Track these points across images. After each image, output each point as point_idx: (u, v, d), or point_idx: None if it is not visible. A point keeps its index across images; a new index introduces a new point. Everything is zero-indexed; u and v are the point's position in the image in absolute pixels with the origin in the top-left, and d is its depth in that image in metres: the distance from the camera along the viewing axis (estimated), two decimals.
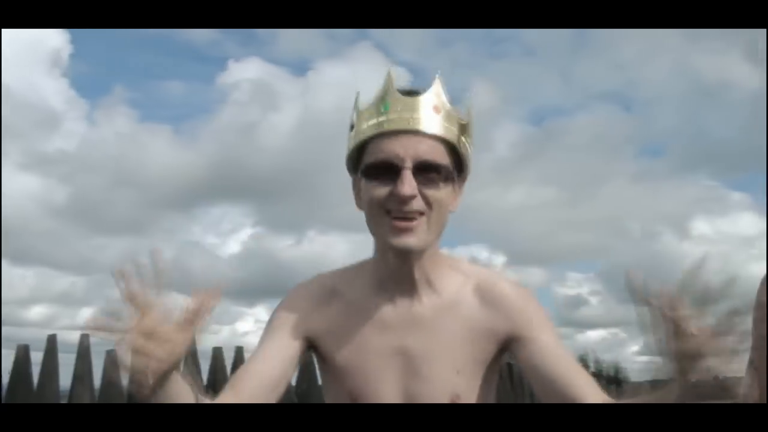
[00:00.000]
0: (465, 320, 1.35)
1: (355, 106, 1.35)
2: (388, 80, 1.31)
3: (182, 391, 1.11)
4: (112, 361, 3.14)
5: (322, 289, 1.40)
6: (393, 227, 1.27)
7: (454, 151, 1.31)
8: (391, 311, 1.35)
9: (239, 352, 6.99)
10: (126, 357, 0.99)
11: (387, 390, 1.32)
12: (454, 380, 1.32)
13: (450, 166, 1.30)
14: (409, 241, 1.27)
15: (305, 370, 4.10)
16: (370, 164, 1.29)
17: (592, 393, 1.23)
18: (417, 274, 1.33)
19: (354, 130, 1.34)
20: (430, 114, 1.29)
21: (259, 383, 1.28)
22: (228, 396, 1.24)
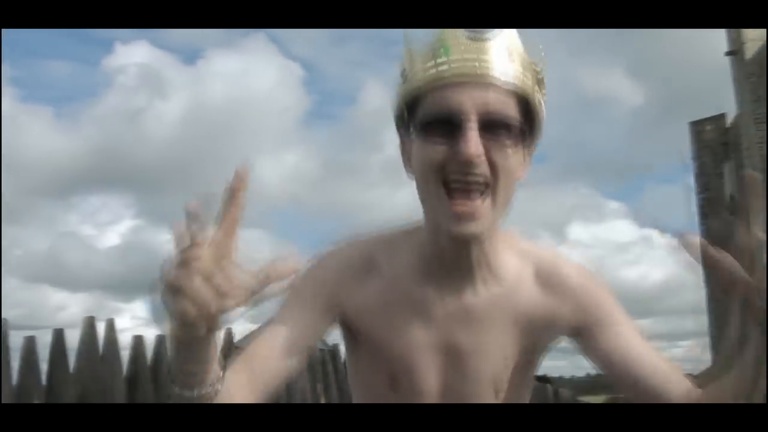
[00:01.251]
0: (523, 310, 1.19)
1: (407, 52, 1.12)
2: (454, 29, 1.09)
3: (216, 368, 0.96)
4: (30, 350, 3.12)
5: (359, 260, 1.22)
6: (452, 211, 1.07)
7: (527, 107, 1.10)
8: (438, 301, 1.18)
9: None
10: (184, 282, 0.81)
11: (429, 383, 1.20)
12: (502, 373, 1.20)
13: (522, 125, 1.09)
14: (471, 227, 1.08)
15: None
16: (426, 119, 1.08)
17: (680, 381, 1.15)
18: (474, 262, 1.15)
19: (405, 78, 1.12)
20: (503, 59, 1.07)
21: (277, 361, 1.14)
22: (239, 371, 1.07)
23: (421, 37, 1.11)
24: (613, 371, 1.18)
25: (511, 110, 1.07)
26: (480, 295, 1.18)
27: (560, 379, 30.33)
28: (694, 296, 37.60)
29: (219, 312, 0.82)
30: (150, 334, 3.87)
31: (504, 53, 1.07)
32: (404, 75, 1.12)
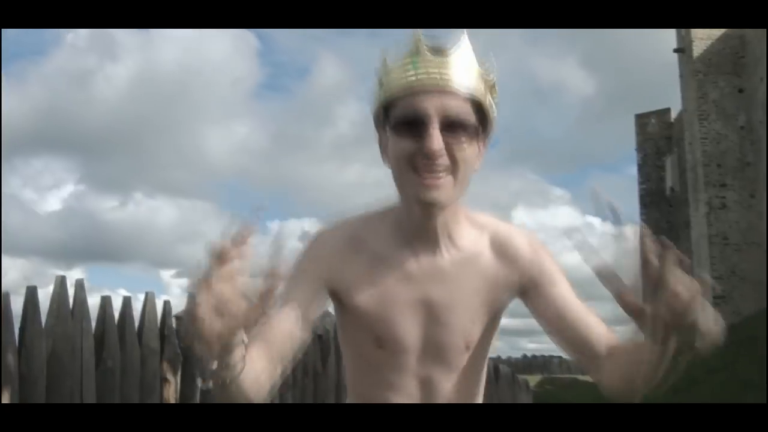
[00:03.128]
0: (483, 272, 1.42)
1: (383, 63, 1.36)
2: (417, 40, 1.33)
3: (239, 357, 1.13)
4: None
5: (347, 239, 1.44)
6: (421, 183, 1.30)
7: (480, 110, 1.34)
8: (414, 264, 1.41)
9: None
10: (204, 310, 1.01)
11: (410, 336, 1.41)
12: (470, 328, 1.42)
13: (476, 124, 1.33)
14: (436, 195, 1.30)
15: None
16: (399, 121, 1.31)
17: (603, 333, 1.37)
18: (439, 229, 1.38)
19: (382, 85, 1.36)
20: (459, 72, 1.31)
21: (287, 338, 1.33)
22: (258, 346, 1.24)
23: (396, 56, 1.35)
24: (550, 322, 1.42)
25: (466, 113, 1.31)
26: (446, 259, 1.41)
27: (499, 359, 31.02)
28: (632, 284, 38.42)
29: (228, 338, 1.05)
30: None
31: (461, 66, 1.32)
32: (381, 83, 1.36)
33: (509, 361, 41.91)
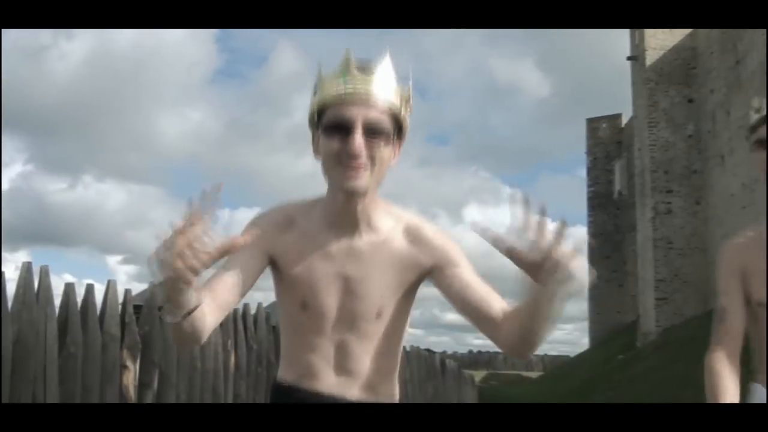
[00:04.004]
0: (394, 253, 1.68)
1: (319, 75, 1.64)
2: (348, 59, 1.61)
3: (194, 298, 1.43)
4: None
5: (285, 218, 1.71)
6: (345, 175, 1.57)
7: (396, 118, 1.62)
8: (335, 243, 1.67)
9: None
10: (168, 258, 1.30)
11: (328, 303, 1.67)
12: (380, 300, 1.67)
13: (391, 131, 1.61)
14: (356, 184, 1.57)
15: (148, 313, 4.34)
16: (330, 124, 1.59)
17: (499, 303, 1.60)
18: (359, 214, 1.65)
19: (318, 95, 1.63)
20: (380, 89, 1.60)
21: (229, 290, 1.62)
22: (207, 297, 1.53)
23: (329, 70, 1.63)
24: (455, 298, 1.66)
25: (384, 122, 1.59)
26: (363, 240, 1.67)
27: (445, 353, 31.42)
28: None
29: (188, 274, 1.32)
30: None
31: (381, 84, 1.60)
32: (316, 91, 1.64)
33: (455, 356, 42.37)
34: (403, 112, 1.64)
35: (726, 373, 2.07)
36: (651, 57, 28.24)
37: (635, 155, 30.20)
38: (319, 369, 1.68)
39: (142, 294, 6.59)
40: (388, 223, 1.70)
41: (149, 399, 4.22)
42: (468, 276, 1.66)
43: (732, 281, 2.18)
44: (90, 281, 3.71)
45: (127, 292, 4.31)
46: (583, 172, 40.06)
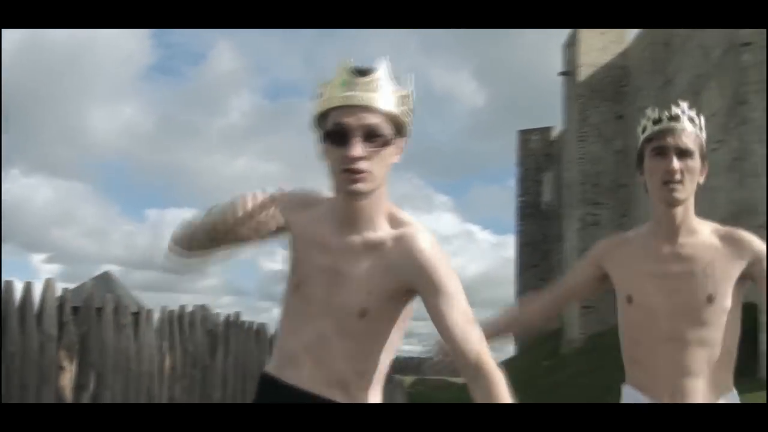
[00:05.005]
0: (384, 259, 1.70)
1: (320, 80, 1.71)
2: (348, 66, 1.67)
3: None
4: None
5: (306, 199, 1.85)
6: (347, 179, 1.64)
7: (396, 119, 1.67)
8: (334, 239, 1.74)
9: None
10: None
11: (316, 291, 1.73)
12: (366, 298, 1.70)
13: (391, 134, 1.67)
14: (357, 187, 1.64)
15: (86, 313, 4.29)
16: (331, 130, 1.65)
17: (478, 350, 1.61)
18: (359, 216, 1.71)
19: (319, 99, 1.69)
20: (379, 93, 1.65)
21: (265, 227, 1.84)
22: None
23: (332, 75, 1.70)
24: (435, 324, 1.66)
25: (383, 126, 1.64)
26: (358, 240, 1.72)
27: None
28: (505, 291, 39.75)
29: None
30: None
31: (379, 87, 1.65)
32: (320, 95, 1.69)
33: None
34: (402, 112, 1.69)
35: (514, 311, 2.29)
36: (583, 73, 29.03)
37: (565, 168, 30.96)
38: (299, 358, 1.73)
39: (75, 292, 6.45)
40: (388, 228, 1.73)
41: (85, 401, 4.15)
42: (445, 309, 1.64)
43: (588, 265, 2.33)
44: (9, 279, 3.61)
45: (65, 291, 4.23)
46: (513, 183, 40.83)
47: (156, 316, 5.53)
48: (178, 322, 5.68)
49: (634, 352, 2.21)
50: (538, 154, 39.50)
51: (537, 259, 37.71)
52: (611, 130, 28.42)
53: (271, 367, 1.80)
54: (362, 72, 1.66)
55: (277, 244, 1.91)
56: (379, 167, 1.66)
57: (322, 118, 1.68)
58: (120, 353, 4.57)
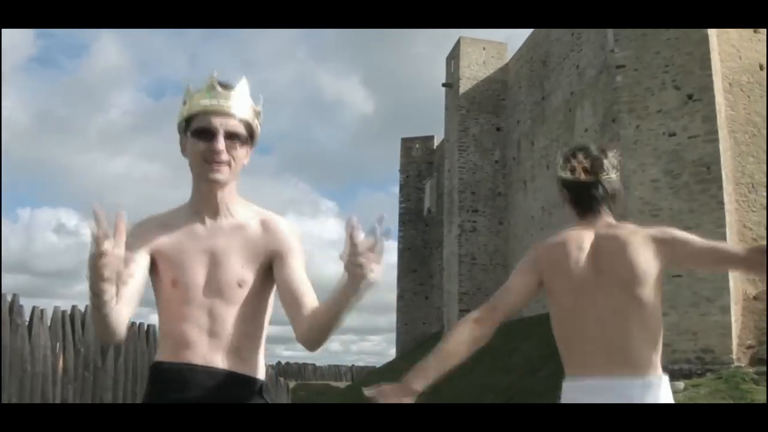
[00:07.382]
0: (248, 236, 2.01)
1: (187, 90, 1.99)
2: (213, 78, 1.98)
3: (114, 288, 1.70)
4: None
5: (158, 223, 2.01)
6: (209, 169, 1.94)
7: (249, 127, 2.00)
8: (201, 226, 2.01)
9: None
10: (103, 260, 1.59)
11: (197, 275, 1.96)
12: (241, 270, 1.98)
13: (246, 137, 1.99)
14: (218, 176, 1.94)
15: None
16: (198, 129, 1.95)
17: (312, 302, 1.91)
18: (219, 202, 2.00)
19: (186, 105, 1.98)
20: (237, 104, 1.97)
21: (133, 288, 1.88)
22: (119, 296, 1.77)
23: (197, 85, 1.98)
24: (279, 281, 1.99)
25: (240, 129, 1.96)
26: (224, 222, 2.01)
27: None
28: (388, 296, 40.29)
29: (112, 274, 1.64)
30: None
31: (238, 99, 1.97)
32: (185, 102, 1.99)
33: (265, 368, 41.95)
34: (255, 123, 2.03)
35: (457, 336, 2.26)
36: (464, 86, 30.01)
37: (445, 176, 31.79)
38: (191, 336, 1.92)
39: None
40: (246, 213, 2.04)
41: None
42: (297, 267, 1.99)
43: (527, 274, 2.35)
44: None
45: None
46: (396, 189, 41.43)
47: (49, 315, 5.47)
48: (71, 322, 5.64)
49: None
50: (419, 162, 40.34)
51: (416, 265, 38.50)
52: (490, 140, 29.55)
53: (163, 356, 1.97)
54: (226, 86, 1.98)
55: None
56: (235, 163, 1.97)
57: (188, 120, 1.97)
58: (15, 354, 4.52)
